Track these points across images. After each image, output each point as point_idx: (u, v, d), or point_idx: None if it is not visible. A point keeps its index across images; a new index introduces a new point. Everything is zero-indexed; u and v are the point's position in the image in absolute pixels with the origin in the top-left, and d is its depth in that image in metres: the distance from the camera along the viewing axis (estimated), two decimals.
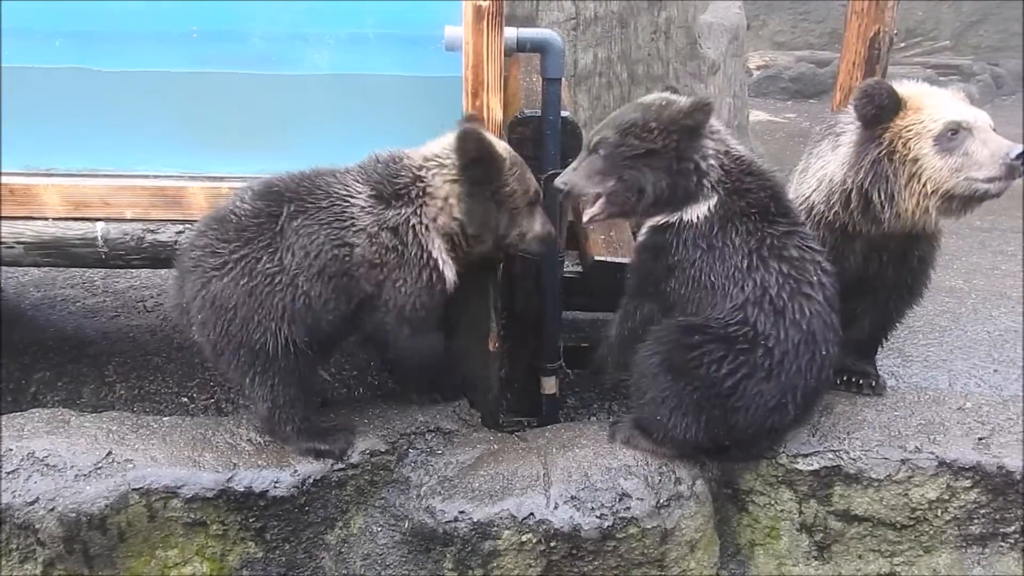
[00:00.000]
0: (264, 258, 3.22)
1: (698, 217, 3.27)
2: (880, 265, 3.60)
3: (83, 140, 3.78)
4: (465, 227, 3.41)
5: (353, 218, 3.29)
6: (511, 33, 3.71)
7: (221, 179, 3.75)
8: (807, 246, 3.30)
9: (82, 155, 3.77)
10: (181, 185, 3.70)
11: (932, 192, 3.26)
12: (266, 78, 3.81)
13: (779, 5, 13.17)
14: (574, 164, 3.47)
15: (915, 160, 3.26)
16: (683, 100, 3.34)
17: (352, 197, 3.32)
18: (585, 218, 3.49)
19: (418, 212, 3.35)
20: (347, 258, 3.27)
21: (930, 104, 3.31)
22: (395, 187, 3.35)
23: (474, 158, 3.30)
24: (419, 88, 3.80)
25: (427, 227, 3.36)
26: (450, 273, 3.42)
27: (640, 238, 3.51)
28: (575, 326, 4.53)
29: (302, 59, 3.81)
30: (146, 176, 3.77)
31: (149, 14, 3.74)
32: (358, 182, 3.36)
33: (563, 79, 3.84)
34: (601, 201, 3.40)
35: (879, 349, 3.95)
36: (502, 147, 3.43)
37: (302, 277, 3.22)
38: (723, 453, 3.49)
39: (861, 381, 3.74)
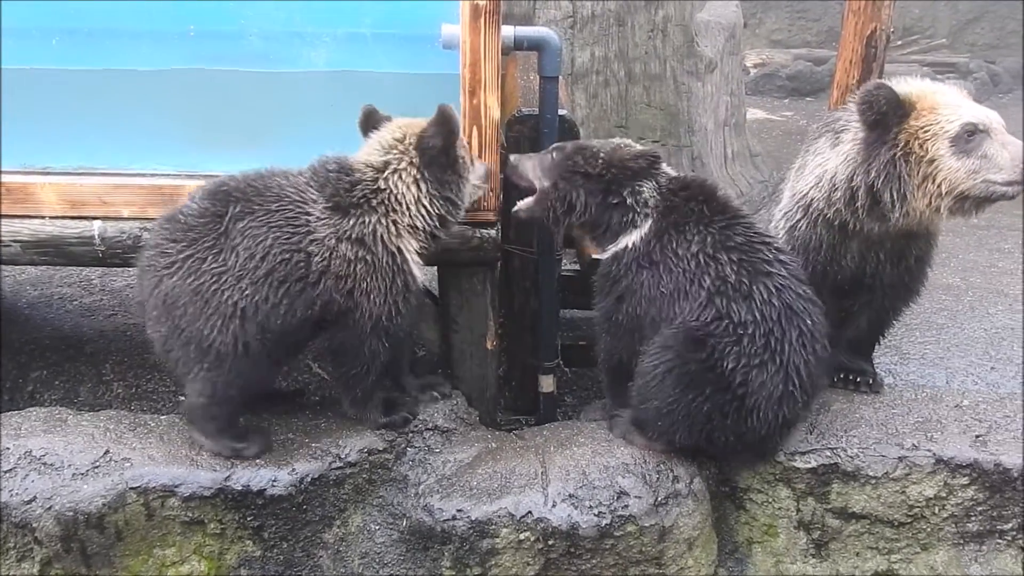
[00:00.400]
0: (209, 258, 3.20)
1: (635, 242, 3.44)
2: (877, 264, 3.60)
3: (80, 139, 3.78)
4: (443, 216, 3.43)
5: (310, 226, 3.26)
6: (508, 31, 3.70)
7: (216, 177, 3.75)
8: (752, 232, 3.37)
9: (79, 154, 3.77)
10: (178, 184, 3.69)
11: (947, 193, 3.26)
12: (263, 76, 3.81)
13: (776, 3, 13.16)
14: (531, 153, 3.68)
15: (931, 161, 3.25)
16: (637, 148, 3.59)
17: (306, 204, 3.29)
18: (514, 208, 3.68)
19: (383, 220, 3.32)
20: (301, 264, 3.24)
21: (944, 104, 3.30)
22: (352, 197, 3.30)
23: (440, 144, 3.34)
24: (416, 85, 3.79)
25: (398, 233, 3.35)
26: (419, 273, 3.44)
27: (594, 277, 3.66)
28: (573, 324, 4.53)
29: (299, 57, 3.81)
30: (143, 175, 3.77)
31: (146, 13, 3.74)
32: (312, 188, 3.33)
33: (560, 77, 3.84)
34: (531, 200, 3.61)
35: (876, 347, 3.95)
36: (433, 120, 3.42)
37: (247, 279, 3.19)
38: (731, 457, 3.51)
39: (858, 379, 3.74)
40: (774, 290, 3.24)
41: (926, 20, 12.73)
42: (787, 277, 3.29)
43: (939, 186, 3.26)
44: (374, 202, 3.33)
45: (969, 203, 3.28)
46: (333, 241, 3.27)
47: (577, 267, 4.49)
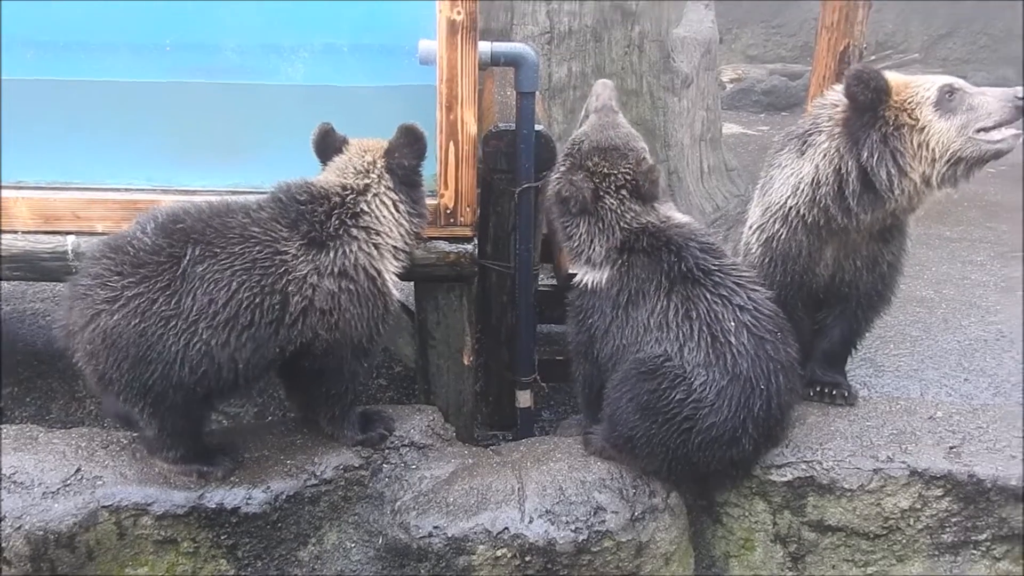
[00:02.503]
0: (160, 300, 3.04)
1: (596, 280, 3.52)
2: (854, 271, 3.63)
3: (54, 152, 3.75)
4: (418, 233, 3.46)
5: (287, 266, 3.16)
6: (485, 47, 3.72)
7: (193, 192, 3.73)
8: (717, 268, 3.40)
9: (53, 167, 3.74)
10: (153, 198, 3.67)
11: (940, 157, 3.32)
12: (240, 89, 3.79)
13: (752, 19, 13.27)
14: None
15: (922, 129, 3.33)
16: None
17: (278, 243, 3.17)
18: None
19: (365, 246, 3.29)
20: (276, 307, 3.13)
21: (912, 81, 3.40)
22: (329, 228, 3.24)
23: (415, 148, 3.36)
24: (393, 97, 3.79)
25: (380, 255, 3.33)
26: (397, 292, 3.43)
27: (566, 302, 3.74)
28: (550, 339, 4.54)
29: (276, 70, 3.80)
30: (117, 189, 3.75)
31: (122, 25, 3.72)
32: (280, 224, 3.22)
33: (537, 93, 3.86)
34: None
35: (849, 359, 3.97)
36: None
37: (203, 324, 3.06)
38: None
39: (833, 392, 3.76)
40: (733, 329, 3.29)
41: (899, 35, 12.88)
42: (753, 311, 3.33)
43: (933, 151, 3.32)
44: (353, 230, 3.28)
45: (963, 166, 3.34)
46: (316, 278, 3.20)
47: (554, 282, 4.50)
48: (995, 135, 3.27)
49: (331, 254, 3.23)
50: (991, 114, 3.25)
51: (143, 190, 3.74)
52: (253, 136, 3.83)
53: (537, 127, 3.85)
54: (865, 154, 3.38)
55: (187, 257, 3.07)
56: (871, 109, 3.37)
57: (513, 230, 3.99)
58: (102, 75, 3.75)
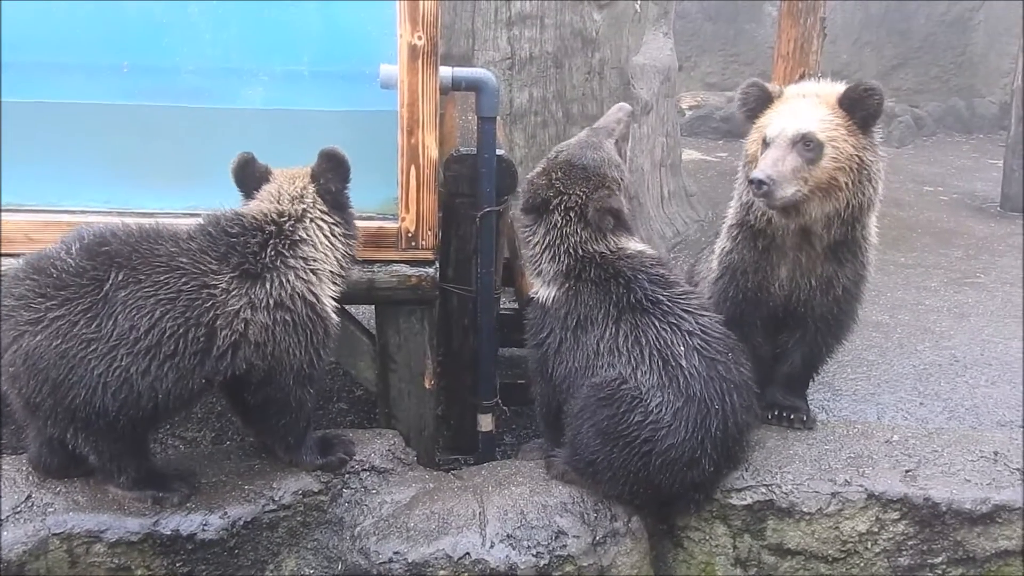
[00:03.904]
0: (81, 322, 2.99)
1: (546, 297, 3.57)
2: (810, 291, 3.67)
3: (7, 174, 3.68)
4: (352, 255, 3.45)
5: (215, 299, 3.11)
6: (446, 72, 3.73)
7: (151, 215, 3.68)
8: (665, 294, 3.44)
9: (6, 190, 3.67)
10: (108, 221, 3.61)
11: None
12: (198, 112, 3.77)
13: (710, 47, 13.47)
14: None
15: (752, 160, 3.53)
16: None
17: (207, 276, 3.13)
18: None
19: (303, 274, 3.27)
20: (201, 339, 3.09)
21: (778, 108, 3.55)
22: (264, 259, 3.21)
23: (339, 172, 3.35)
24: (354, 123, 3.79)
25: (319, 280, 3.30)
26: (336, 316, 3.40)
27: (524, 320, 3.78)
28: (511, 362, 4.54)
29: (235, 94, 3.79)
30: (72, 211, 3.68)
31: (79, 46, 3.69)
32: (209, 256, 3.17)
33: (498, 118, 3.88)
34: None
35: (810, 383, 4.01)
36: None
37: (123, 350, 3.01)
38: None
39: (792, 416, 3.79)
40: (683, 352, 3.31)
41: (853, 65, 13.14)
42: (702, 335, 3.37)
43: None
44: (291, 259, 3.25)
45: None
46: (249, 312, 3.16)
47: (516, 305, 4.50)
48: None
49: (267, 286, 3.20)
50: (750, 181, 3.39)
51: (98, 212, 3.68)
52: (211, 159, 3.78)
53: (498, 152, 3.86)
54: (744, 159, 3.64)
55: (111, 281, 3.03)
56: (751, 122, 3.62)
57: (475, 254, 3.99)
58: (57, 96, 3.71)
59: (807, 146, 3.35)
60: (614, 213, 3.52)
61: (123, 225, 3.22)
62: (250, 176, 3.38)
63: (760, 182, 3.28)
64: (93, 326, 3.00)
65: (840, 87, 3.50)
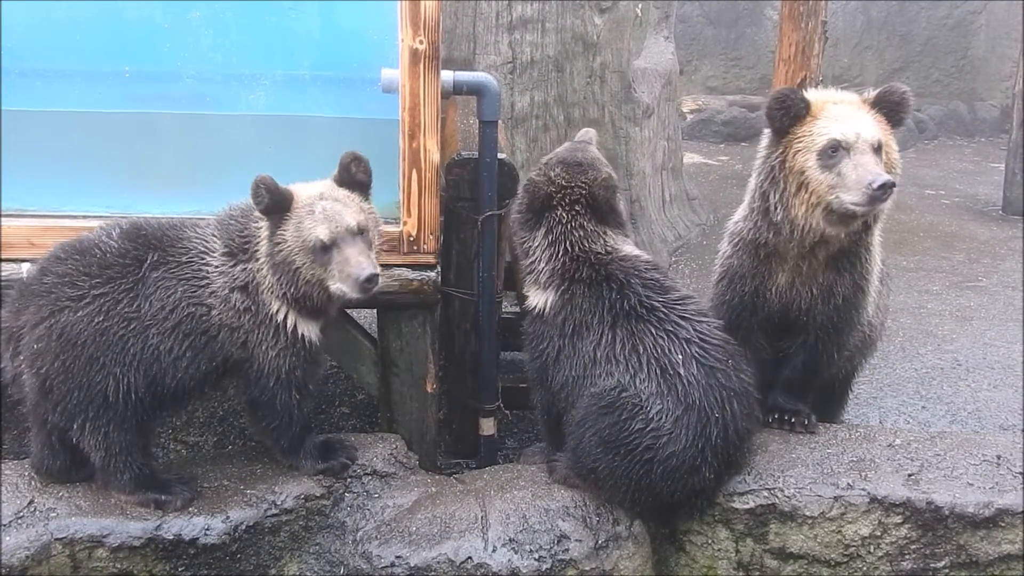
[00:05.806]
0: (124, 301, 3.14)
1: (543, 304, 3.57)
2: (811, 299, 3.67)
3: (10, 180, 3.68)
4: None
5: (208, 277, 3.23)
6: (448, 76, 3.74)
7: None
8: (662, 301, 3.43)
9: (8, 195, 3.67)
10: None
11: (816, 204, 3.39)
12: (200, 118, 3.77)
13: (711, 51, 13.49)
14: None
15: (801, 172, 3.39)
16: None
17: (208, 254, 3.25)
18: None
19: (260, 269, 3.27)
20: (204, 319, 3.21)
21: (825, 115, 3.41)
22: (242, 241, 3.27)
23: (267, 205, 3.18)
24: (356, 130, 3.79)
25: (266, 283, 3.27)
26: (306, 330, 3.33)
27: (521, 330, 3.78)
28: (513, 366, 4.53)
29: (237, 99, 3.79)
30: (74, 216, 3.69)
31: (79, 52, 3.68)
32: (216, 237, 3.29)
33: (499, 122, 3.88)
34: None
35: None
36: (297, 189, 3.30)
37: (154, 329, 3.15)
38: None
39: (793, 419, 3.78)
40: (682, 361, 3.31)
41: (855, 69, 13.16)
42: (700, 343, 3.36)
43: (810, 196, 3.38)
44: (253, 248, 3.27)
45: (835, 216, 3.39)
46: (226, 291, 3.24)
47: (517, 309, 4.50)
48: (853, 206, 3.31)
49: (238, 268, 3.26)
50: (849, 190, 3.29)
51: (100, 217, 3.68)
52: (213, 164, 3.81)
53: (500, 155, 3.87)
54: (762, 175, 3.53)
55: (147, 262, 3.18)
56: (780, 132, 3.45)
57: (476, 257, 3.99)
58: (60, 104, 3.71)
59: (878, 150, 3.34)
60: (615, 198, 3.58)
61: (152, 217, 3.38)
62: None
63: (892, 184, 3.23)
64: (134, 306, 3.15)
65: (852, 93, 3.49)
